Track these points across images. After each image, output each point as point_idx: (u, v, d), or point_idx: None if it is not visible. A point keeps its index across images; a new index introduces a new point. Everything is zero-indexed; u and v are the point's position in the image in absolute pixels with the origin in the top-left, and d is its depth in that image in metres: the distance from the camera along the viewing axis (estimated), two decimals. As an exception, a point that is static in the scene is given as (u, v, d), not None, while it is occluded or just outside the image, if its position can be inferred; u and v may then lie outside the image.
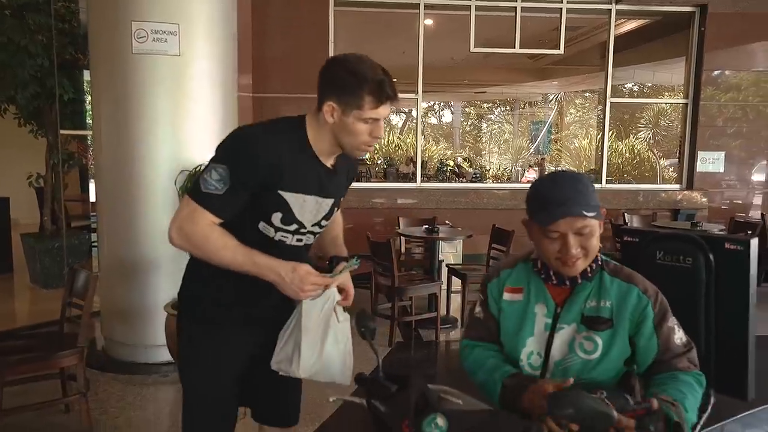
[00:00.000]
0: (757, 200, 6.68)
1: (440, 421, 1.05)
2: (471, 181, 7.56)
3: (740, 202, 6.66)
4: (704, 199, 6.46)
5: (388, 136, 10.61)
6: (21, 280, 5.77)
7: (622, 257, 1.60)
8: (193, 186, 1.45)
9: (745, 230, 5.45)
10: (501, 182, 9.04)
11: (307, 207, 1.48)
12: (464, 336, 1.51)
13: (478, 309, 1.48)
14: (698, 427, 1.53)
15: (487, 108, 13.40)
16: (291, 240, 1.52)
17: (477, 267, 4.77)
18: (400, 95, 1.43)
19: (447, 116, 13.97)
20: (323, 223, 1.57)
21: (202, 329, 1.56)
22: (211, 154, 1.46)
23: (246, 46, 5.35)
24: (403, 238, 5.32)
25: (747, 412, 2.99)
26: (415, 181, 6.63)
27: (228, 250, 1.41)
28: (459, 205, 6.21)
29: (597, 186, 6.50)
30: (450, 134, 13.44)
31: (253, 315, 1.56)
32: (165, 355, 3.42)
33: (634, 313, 1.31)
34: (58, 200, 5.67)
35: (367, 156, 7.18)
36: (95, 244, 4.54)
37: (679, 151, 6.76)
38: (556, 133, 12.37)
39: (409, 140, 10.63)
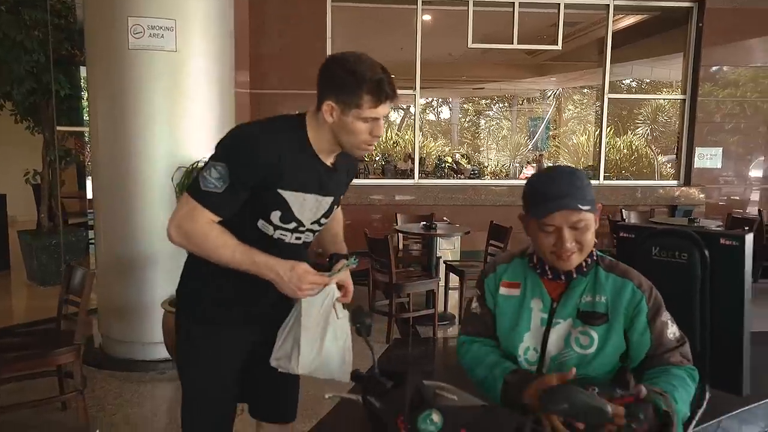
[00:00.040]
0: (755, 196, 6.69)
1: (435, 417, 1.05)
2: (469, 178, 7.56)
3: (738, 198, 6.67)
4: (702, 196, 6.47)
5: (386, 133, 10.60)
6: (18, 277, 5.77)
7: (618, 253, 1.60)
8: (192, 184, 1.45)
9: (742, 226, 5.47)
10: (499, 179, 9.04)
11: (307, 205, 1.48)
12: (461, 332, 1.51)
13: (474, 304, 1.48)
14: (694, 422, 1.53)
15: (485, 104, 13.39)
16: (290, 238, 1.51)
17: (475, 263, 4.77)
18: (398, 91, 1.42)
19: (445, 112, 13.96)
20: (322, 221, 1.57)
21: (202, 327, 1.56)
22: (208, 150, 1.46)
23: (243, 42, 5.34)
24: (400, 235, 5.32)
25: (743, 408, 3.00)
26: (413, 178, 6.63)
27: (227, 249, 1.41)
28: (457, 202, 6.21)
29: (595, 182, 6.52)
30: (448, 131, 13.43)
31: (253, 313, 1.56)
32: (162, 353, 3.42)
33: (628, 308, 1.32)
34: (55, 197, 5.66)
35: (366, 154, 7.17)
36: (92, 241, 4.53)
37: (677, 147, 6.77)
38: (555, 129, 12.37)
39: (407, 137, 10.61)
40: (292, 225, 1.49)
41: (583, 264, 1.35)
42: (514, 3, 6.09)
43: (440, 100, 13.44)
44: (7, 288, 5.74)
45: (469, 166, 8.72)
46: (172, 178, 3.40)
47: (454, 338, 4.37)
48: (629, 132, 10.78)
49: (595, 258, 1.38)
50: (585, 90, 11.92)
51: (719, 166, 6.53)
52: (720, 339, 1.52)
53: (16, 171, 5.86)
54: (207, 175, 1.39)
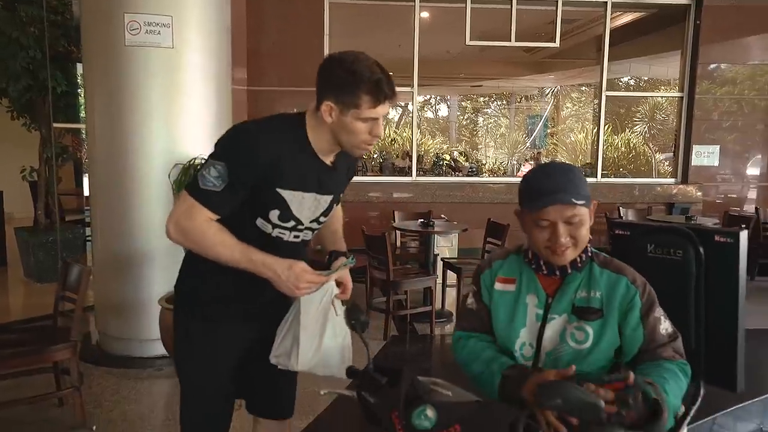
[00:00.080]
0: (752, 194, 6.71)
1: (429, 412, 1.05)
2: (467, 175, 7.56)
3: (735, 195, 6.69)
4: (699, 193, 6.48)
5: (385, 130, 10.56)
6: (15, 273, 5.76)
7: (613, 250, 1.60)
8: (191, 182, 1.45)
9: (739, 224, 5.49)
10: (497, 176, 9.05)
11: (306, 204, 1.48)
12: (456, 328, 1.51)
13: (470, 300, 1.48)
14: (688, 418, 1.54)
15: (484, 102, 13.39)
16: (288, 236, 1.52)
17: (472, 261, 4.77)
18: (397, 89, 1.42)
19: (443, 110, 13.96)
20: (321, 219, 1.57)
21: (200, 324, 1.56)
22: (205, 147, 1.46)
23: (240, 39, 5.33)
24: (398, 232, 5.32)
25: (738, 405, 3.02)
26: (411, 175, 6.63)
27: (225, 247, 1.42)
28: (454, 199, 6.22)
29: (592, 180, 6.53)
30: (446, 128, 13.42)
31: (251, 311, 1.57)
32: (159, 349, 3.42)
33: (622, 303, 1.33)
34: (52, 194, 5.65)
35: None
36: (89, 238, 4.53)
37: (675, 145, 6.78)
38: (552, 127, 12.38)
39: (405, 134, 10.61)
40: (291, 224, 1.49)
41: (578, 260, 1.36)
42: (511, 0, 6.09)
43: (438, 97, 13.44)
44: (4, 285, 5.73)
45: (467, 164, 8.71)
46: (168, 175, 3.39)
47: (451, 335, 4.37)
48: (627, 130, 10.79)
49: (589, 254, 1.39)
50: (583, 88, 11.93)
51: (716, 163, 6.55)
52: (715, 335, 1.52)
53: (13, 168, 5.85)
54: (206, 174, 1.40)
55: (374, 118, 1.40)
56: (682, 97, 6.57)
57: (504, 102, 13.31)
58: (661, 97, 9.97)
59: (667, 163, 8.01)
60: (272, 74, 5.88)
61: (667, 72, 8.83)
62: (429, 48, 6.57)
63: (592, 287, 1.35)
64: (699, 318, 1.52)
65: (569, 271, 1.36)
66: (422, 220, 4.89)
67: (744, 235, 1.45)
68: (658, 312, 1.34)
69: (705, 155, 6.51)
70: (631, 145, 10.60)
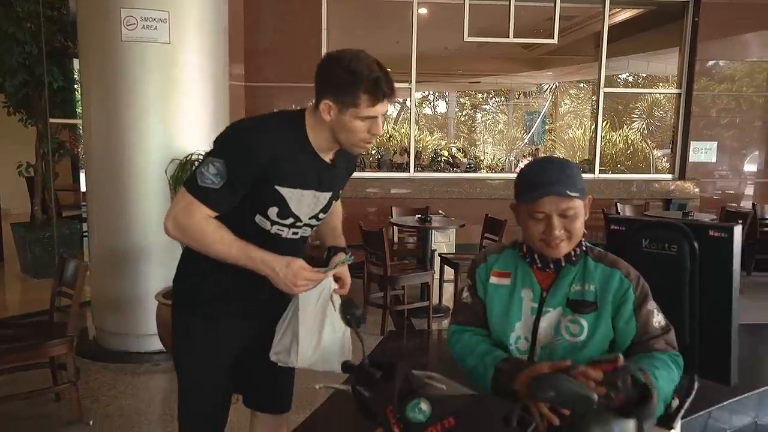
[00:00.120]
0: (749, 190, 6.71)
1: (424, 405, 1.06)
2: (465, 171, 7.56)
3: (732, 192, 6.70)
4: (696, 189, 6.49)
5: (383, 126, 10.50)
6: (12, 269, 5.75)
7: (609, 245, 1.61)
8: (189, 179, 1.45)
9: (736, 220, 5.49)
10: (495, 173, 9.05)
11: (305, 201, 1.49)
12: (452, 322, 1.52)
13: (465, 294, 1.49)
14: (682, 410, 1.55)
15: (482, 98, 13.37)
16: (287, 233, 1.52)
17: (469, 256, 4.77)
18: (395, 86, 1.42)
19: (442, 106, 13.93)
20: (321, 216, 1.57)
21: (200, 322, 1.57)
22: (202, 143, 1.46)
23: (238, 35, 5.31)
24: (395, 228, 5.32)
25: (733, 399, 3.03)
26: (409, 171, 6.63)
27: (223, 244, 1.42)
28: (452, 195, 6.22)
29: (590, 176, 6.54)
30: (444, 124, 13.41)
31: (250, 308, 1.57)
32: (156, 344, 3.42)
33: (616, 296, 1.34)
34: (49, 190, 5.64)
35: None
36: (86, 233, 4.52)
37: (672, 141, 6.78)
38: (551, 123, 12.37)
39: (403, 130, 10.59)
40: (289, 221, 1.49)
41: (572, 253, 1.36)
42: (510, -4, 6.08)
43: (437, 93, 13.41)
44: (1, 280, 5.73)
45: (465, 160, 8.71)
46: (165, 171, 3.39)
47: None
48: (625, 126, 10.78)
49: (584, 248, 1.39)
50: (581, 84, 11.92)
51: (714, 160, 6.55)
52: (709, 329, 1.53)
53: (10, 163, 5.84)
54: (204, 171, 1.40)
55: (373, 116, 1.40)
56: (680, 94, 6.57)
57: (502, 98, 13.29)
58: (659, 93, 9.96)
59: (664, 160, 8.01)
60: (270, 70, 5.86)
61: (665, 69, 8.83)
62: (427, 44, 6.55)
63: (586, 280, 1.36)
64: (693, 312, 1.53)
65: (563, 264, 1.37)
66: (420, 215, 4.90)
67: (738, 230, 1.46)
68: (651, 305, 1.34)
69: (702, 151, 6.52)
70: (629, 141, 10.60)
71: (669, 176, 6.73)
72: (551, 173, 1.31)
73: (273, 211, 1.46)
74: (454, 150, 10.60)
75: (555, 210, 1.29)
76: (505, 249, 1.47)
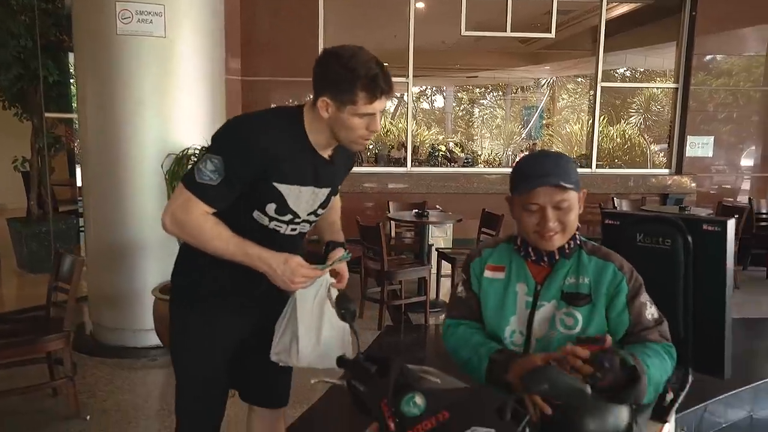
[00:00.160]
0: (746, 185, 6.73)
1: (418, 399, 1.06)
2: (462, 166, 7.56)
3: (729, 186, 6.71)
4: (693, 184, 6.50)
5: (380, 121, 10.47)
6: (8, 264, 5.74)
7: (604, 240, 1.62)
8: (187, 175, 1.45)
9: (732, 214, 5.50)
10: (492, 167, 9.05)
11: (303, 197, 1.49)
12: (446, 316, 1.52)
13: (460, 288, 1.49)
14: (677, 404, 1.56)
15: (479, 93, 13.34)
16: (285, 230, 1.52)
17: (467, 251, 4.74)
18: (393, 80, 1.41)
19: (439, 101, 13.91)
20: (319, 211, 1.57)
21: (198, 318, 1.57)
22: (198, 137, 1.45)
23: (234, 29, 5.29)
24: (393, 223, 5.32)
25: (729, 393, 3.05)
26: (406, 166, 6.62)
27: (221, 241, 1.42)
28: (449, 190, 6.22)
29: (587, 171, 6.54)
30: (442, 119, 13.39)
31: (248, 304, 1.58)
32: (153, 339, 3.42)
33: (609, 288, 1.35)
34: (45, 184, 5.62)
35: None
36: (83, 228, 4.51)
37: (669, 136, 6.78)
38: (548, 118, 12.36)
39: (400, 125, 10.57)
40: (288, 217, 1.49)
41: (566, 246, 1.37)
42: (507, -10, 6.06)
43: (434, 88, 13.38)
44: (-2, 276, 5.71)
45: (462, 155, 8.71)
46: (161, 165, 3.38)
47: (445, 325, 4.39)
48: (622, 121, 10.78)
49: (578, 242, 1.40)
50: (579, 79, 11.89)
51: (710, 154, 6.56)
52: (703, 323, 1.54)
53: (5, 158, 5.81)
54: (202, 167, 1.40)
55: (371, 113, 1.40)
56: (677, 89, 6.57)
57: (500, 93, 13.27)
58: (657, 88, 9.96)
59: (662, 154, 8.01)
60: (266, 64, 5.84)
61: (662, 63, 8.82)
62: (424, 38, 6.53)
63: (580, 273, 1.36)
64: (687, 306, 1.53)
65: (557, 257, 1.37)
66: (417, 210, 4.90)
67: (731, 224, 1.47)
68: (644, 298, 1.36)
69: (699, 146, 6.52)
70: (627, 136, 10.60)
71: (666, 171, 6.74)
72: (546, 165, 1.32)
73: (271, 208, 1.46)
74: (451, 145, 10.60)
75: (549, 202, 1.30)
76: (500, 243, 1.48)
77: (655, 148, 9.58)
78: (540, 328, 1.36)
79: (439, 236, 5.50)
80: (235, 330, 1.59)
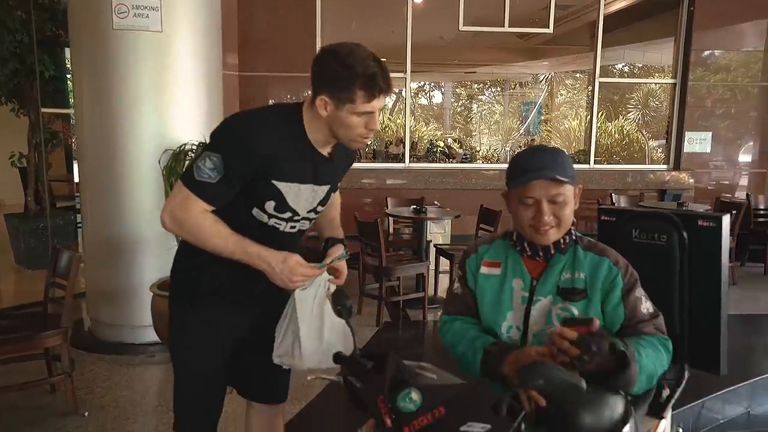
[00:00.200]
0: (743, 181, 6.73)
1: (414, 395, 1.06)
2: (461, 162, 7.57)
3: (727, 182, 6.72)
4: (691, 180, 6.51)
5: (379, 117, 10.44)
6: (6, 260, 5.73)
7: (600, 236, 1.62)
8: (186, 173, 1.45)
9: (730, 210, 5.51)
10: (491, 163, 9.06)
11: (302, 195, 1.48)
12: (443, 312, 1.53)
13: (456, 285, 1.50)
14: (673, 399, 1.56)
15: (478, 89, 13.33)
16: (284, 227, 1.52)
17: (465, 247, 4.77)
18: (391, 75, 1.40)
19: (438, 97, 13.89)
20: (319, 208, 1.57)
21: (198, 316, 1.57)
22: (196, 132, 1.45)
23: (232, 24, 5.26)
24: (391, 219, 5.32)
25: (726, 389, 3.06)
26: (404, 162, 6.62)
27: (220, 238, 1.42)
28: (447, 186, 6.22)
29: (585, 167, 6.54)
30: (440, 115, 13.38)
31: (246, 302, 1.58)
32: (151, 336, 3.42)
33: (604, 283, 1.36)
34: (42, 180, 5.60)
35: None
36: (81, 224, 4.50)
37: (667, 132, 6.78)
38: (546, 113, 12.36)
39: (399, 121, 10.56)
40: (287, 214, 1.49)
41: (562, 241, 1.38)
42: (506, -15, 6.04)
43: (432, 84, 13.37)
44: (-5, 272, 5.71)
45: (460, 151, 8.72)
46: (159, 161, 3.37)
47: (443, 321, 4.39)
48: (621, 117, 10.78)
49: (574, 237, 1.41)
50: (577, 74, 11.88)
51: (708, 150, 6.56)
52: (698, 319, 1.54)
53: (2, 154, 5.79)
54: (201, 165, 1.40)
55: (370, 112, 1.39)
56: (675, 84, 6.57)
57: (498, 89, 13.26)
58: (655, 83, 9.96)
59: (660, 150, 8.02)
60: (264, 60, 5.82)
61: (661, 59, 8.82)
62: (422, 34, 6.52)
63: (576, 269, 1.37)
64: (683, 302, 1.54)
65: (552, 252, 1.38)
66: (415, 206, 4.89)
67: (726, 219, 1.47)
68: (639, 292, 1.36)
69: (697, 142, 6.52)
70: (625, 131, 10.61)
71: (664, 167, 6.75)
72: (542, 159, 1.33)
73: (270, 205, 1.46)
74: (449, 140, 10.60)
75: (544, 195, 1.31)
76: (496, 240, 1.49)
77: (653, 143, 9.59)
78: (536, 323, 1.36)
79: (438, 232, 5.50)
80: (235, 327, 1.59)
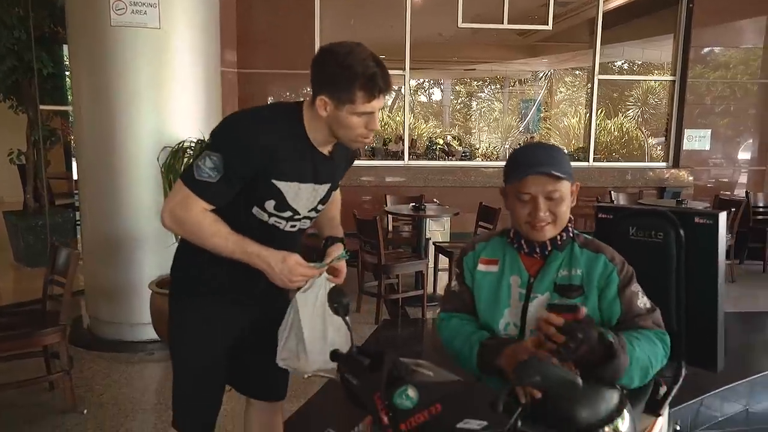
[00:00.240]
0: (743, 178, 6.73)
1: (411, 392, 1.06)
2: (460, 160, 7.56)
3: (726, 180, 6.72)
4: (690, 178, 6.50)
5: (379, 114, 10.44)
6: (4, 258, 5.73)
7: (597, 234, 1.62)
8: (186, 172, 1.45)
9: (729, 208, 5.51)
10: (490, 160, 9.05)
11: (302, 194, 1.48)
12: (441, 310, 1.53)
13: (453, 283, 1.51)
14: (670, 397, 1.56)
15: (477, 86, 13.31)
16: (285, 226, 1.52)
17: (464, 245, 4.78)
18: (390, 73, 1.40)
19: (437, 94, 13.87)
20: (319, 207, 1.57)
21: (198, 314, 1.57)
22: (194, 129, 1.44)
23: (230, 21, 5.25)
24: (390, 216, 5.32)
25: (725, 387, 3.06)
26: (403, 159, 6.61)
27: (219, 238, 1.42)
28: (446, 183, 6.22)
29: (585, 164, 6.54)
30: (440, 112, 13.36)
31: (246, 301, 1.58)
32: (150, 333, 3.42)
33: (601, 279, 1.36)
34: (41, 177, 5.60)
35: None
36: (80, 222, 4.50)
37: (667, 129, 6.78)
38: (546, 111, 12.34)
39: (398, 118, 10.55)
40: (287, 214, 1.50)
41: (558, 238, 1.38)
42: (504, -18, 6.03)
43: (432, 81, 13.35)
44: (-6, 269, 5.71)
45: (460, 148, 8.71)
46: (157, 158, 3.36)
47: (442, 318, 4.39)
48: (620, 114, 10.77)
49: (571, 234, 1.41)
50: (576, 71, 11.86)
51: (707, 148, 6.56)
52: (695, 316, 1.54)
53: (1, 151, 5.78)
54: (202, 165, 1.40)
55: (370, 112, 1.39)
56: (674, 81, 6.56)
57: (497, 86, 13.24)
58: (654, 81, 9.95)
59: (659, 148, 8.02)
60: (262, 56, 5.81)
61: (660, 56, 8.79)
62: (421, 31, 6.50)
63: (573, 265, 1.38)
64: (680, 299, 1.54)
65: (549, 249, 1.38)
66: (414, 204, 4.89)
67: (723, 217, 1.47)
68: (636, 288, 1.37)
69: (696, 139, 6.52)
70: (624, 129, 10.59)
71: (663, 164, 6.74)
72: (539, 155, 1.34)
73: (270, 204, 1.46)
74: (449, 138, 10.58)
75: (541, 191, 1.31)
76: (493, 237, 1.49)
77: (652, 141, 9.58)
78: (534, 319, 1.36)
79: (437, 230, 5.50)
80: (234, 326, 1.60)
